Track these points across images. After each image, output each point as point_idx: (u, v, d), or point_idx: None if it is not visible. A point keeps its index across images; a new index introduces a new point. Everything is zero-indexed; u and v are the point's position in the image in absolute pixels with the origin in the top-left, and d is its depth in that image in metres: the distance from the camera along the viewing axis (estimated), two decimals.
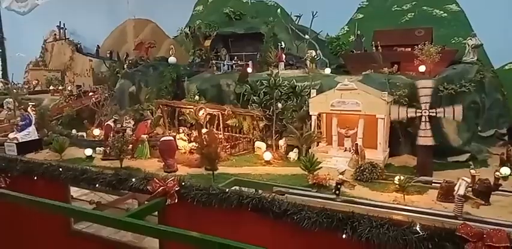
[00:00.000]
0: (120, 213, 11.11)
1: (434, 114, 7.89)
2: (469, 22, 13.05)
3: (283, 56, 12.46)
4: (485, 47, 11.43)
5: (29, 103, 14.44)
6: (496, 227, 4.97)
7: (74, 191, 10.50)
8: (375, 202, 6.34)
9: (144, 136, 9.73)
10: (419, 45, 9.88)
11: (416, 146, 8.15)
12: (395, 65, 10.74)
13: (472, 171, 6.67)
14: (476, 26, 12.71)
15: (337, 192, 6.66)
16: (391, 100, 8.84)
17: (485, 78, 9.68)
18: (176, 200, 6.92)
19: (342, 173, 6.81)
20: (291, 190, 7.03)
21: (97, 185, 8.11)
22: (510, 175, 7.71)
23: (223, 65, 13.60)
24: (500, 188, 6.56)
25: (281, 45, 12.87)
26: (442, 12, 13.49)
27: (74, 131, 12.64)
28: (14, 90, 15.50)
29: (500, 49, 11.89)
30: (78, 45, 20.81)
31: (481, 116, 9.70)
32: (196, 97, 10.88)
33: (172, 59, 13.80)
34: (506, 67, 12.40)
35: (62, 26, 21.51)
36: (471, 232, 4.88)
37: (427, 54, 9.58)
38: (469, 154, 9.12)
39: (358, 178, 7.67)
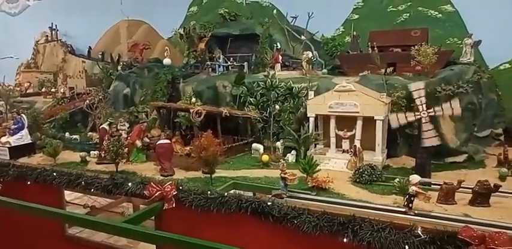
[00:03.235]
0: (114, 217, 11.02)
1: (433, 114, 7.86)
2: (464, 23, 13.11)
3: (280, 57, 12.39)
4: (480, 47, 11.48)
5: (21, 106, 14.26)
6: (498, 230, 4.92)
7: (67, 194, 10.33)
8: (376, 205, 6.27)
9: (138, 143, 9.59)
10: (415, 46, 9.85)
11: (415, 147, 8.14)
12: (391, 66, 10.74)
13: None
14: (470, 26, 12.78)
15: (410, 205, 5.99)
16: (389, 102, 8.81)
17: (482, 78, 9.69)
18: (174, 205, 6.81)
19: (416, 184, 6.13)
20: (290, 193, 6.93)
21: (92, 190, 7.96)
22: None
23: (219, 66, 13.52)
24: (500, 190, 6.52)
25: (277, 46, 12.82)
26: (437, 12, 13.53)
27: (67, 134, 12.47)
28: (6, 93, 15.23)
29: (495, 49, 11.93)
30: (69, 48, 20.57)
31: (478, 117, 9.71)
32: (193, 99, 10.75)
33: (167, 61, 13.69)
34: (501, 67, 12.47)
35: (53, 27, 21.27)
36: (473, 235, 4.83)
37: (423, 54, 9.54)
38: (467, 154, 9.13)
39: (357, 180, 7.61)
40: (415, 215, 5.83)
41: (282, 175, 6.80)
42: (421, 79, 9.39)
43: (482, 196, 6.36)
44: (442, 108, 7.84)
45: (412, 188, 6.04)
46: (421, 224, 5.31)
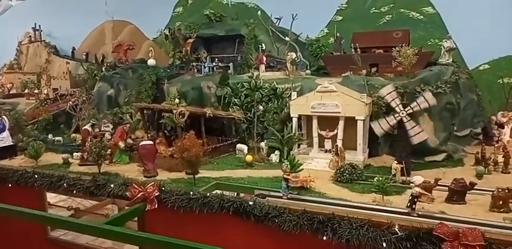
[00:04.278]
0: (99, 219, 10.92)
1: (411, 111, 8.01)
2: (445, 24, 13.39)
3: (264, 58, 12.46)
4: (460, 49, 11.74)
5: (3, 108, 14.07)
6: (472, 226, 5.06)
7: (51, 197, 10.22)
8: (355, 204, 6.37)
9: (121, 145, 9.55)
10: (396, 47, 10.01)
11: (396, 147, 8.28)
12: (374, 67, 10.91)
13: None
14: (451, 28, 13.08)
15: (413, 206, 5.91)
16: (370, 102, 8.95)
17: (460, 79, 9.91)
18: (156, 206, 6.81)
19: (419, 185, 6.06)
20: (272, 193, 7.00)
21: (74, 192, 7.90)
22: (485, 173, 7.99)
23: (204, 67, 13.53)
24: (476, 187, 6.69)
25: (262, 47, 12.89)
26: (418, 14, 13.82)
27: (50, 136, 12.35)
28: None
29: (475, 50, 12.24)
30: (53, 48, 20.33)
31: (457, 116, 9.92)
32: (177, 100, 10.75)
33: (151, 61, 13.62)
34: (481, 68, 12.78)
35: (37, 27, 21.00)
36: (448, 232, 4.95)
37: (404, 56, 9.71)
38: (446, 153, 9.33)
39: (339, 179, 7.73)
40: (419, 216, 5.76)
41: (285, 176, 6.75)
42: (402, 80, 9.57)
43: (458, 193, 6.53)
44: (417, 103, 8.00)
45: (416, 189, 5.95)
46: (398, 221, 5.43)
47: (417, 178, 6.27)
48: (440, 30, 13.20)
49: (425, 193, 6.11)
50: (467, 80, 10.69)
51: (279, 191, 7.14)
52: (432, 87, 9.13)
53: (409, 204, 5.99)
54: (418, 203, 6.47)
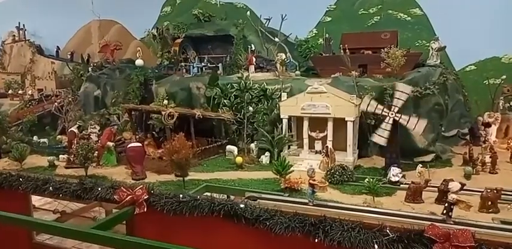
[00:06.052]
0: (86, 222, 10.76)
1: (398, 119, 8.02)
2: (432, 25, 13.53)
3: (254, 59, 12.41)
4: (447, 50, 11.84)
5: None
6: (462, 227, 5.09)
7: (36, 200, 10.02)
8: (346, 205, 6.37)
9: (110, 143, 9.39)
10: (385, 48, 10.06)
11: (385, 148, 8.30)
12: (363, 68, 10.96)
13: None
14: (438, 29, 13.21)
15: (449, 214, 5.70)
16: (360, 103, 8.96)
17: (448, 80, 10.02)
18: (145, 209, 6.70)
19: (456, 192, 5.86)
20: (263, 195, 6.96)
21: (61, 195, 7.72)
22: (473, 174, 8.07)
23: (193, 67, 13.42)
24: (464, 188, 6.73)
25: (251, 47, 12.84)
26: (406, 16, 13.91)
27: (35, 138, 12.09)
28: None
29: (461, 51, 12.38)
30: (38, 48, 19.92)
31: (445, 117, 10.03)
32: (165, 101, 10.62)
33: (139, 62, 13.41)
34: (467, 69, 12.94)
35: (21, 26, 20.55)
36: (438, 233, 4.97)
37: (392, 57, 9.76)
38: (434, 154, 9.41)
39: (329, 180, 7.72)
40: (454, 223, 5.60)
41: (311, 181, 6.51)
42: (391, 81, 9.61)
43: (447, 194, 6.56)
44: (408, 119, 7.99)
45: (452, 196, 5.76)
46: (389, 223, 5.43)
47: (454, 184, 6.03)
48: (428, 32, 13.31)
49: (462, 199, 5.87)
50: (454, 81, 10.83)
51: (270, 193, 7.13)
52: (421, 88, 9.20)
53: (444, 211, 5.80)
54: (408, 203, 6.58)
